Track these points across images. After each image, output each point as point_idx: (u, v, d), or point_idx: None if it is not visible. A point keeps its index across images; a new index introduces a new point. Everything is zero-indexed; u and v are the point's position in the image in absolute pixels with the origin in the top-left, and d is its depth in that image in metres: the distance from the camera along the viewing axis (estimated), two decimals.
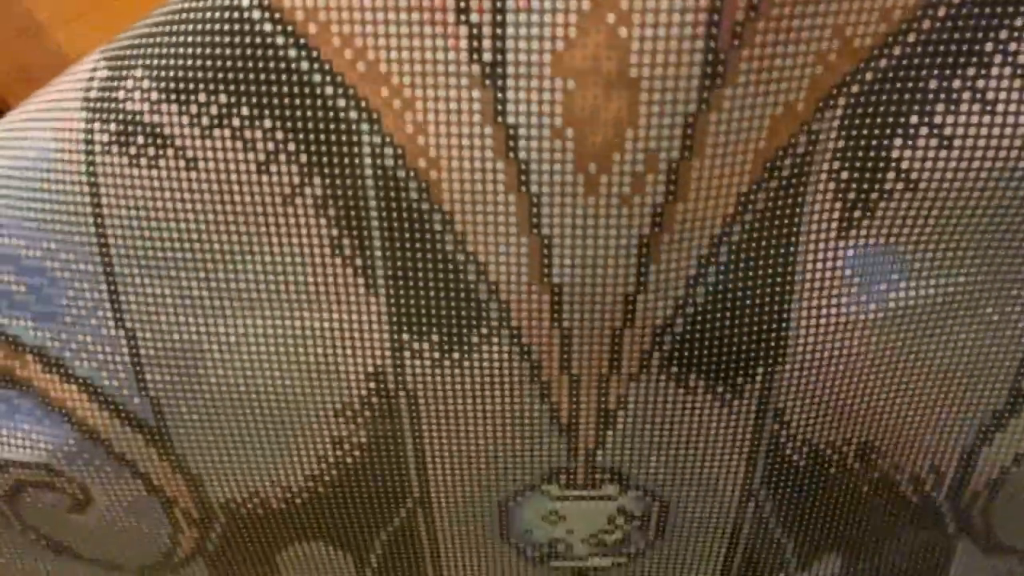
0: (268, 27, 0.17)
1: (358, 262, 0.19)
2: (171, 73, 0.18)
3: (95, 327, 0.21)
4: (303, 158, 0.18)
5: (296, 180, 0.18)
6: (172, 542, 0.25)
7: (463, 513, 0.24)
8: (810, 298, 0.20)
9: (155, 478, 0.23)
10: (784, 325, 0.20)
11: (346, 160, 0.18)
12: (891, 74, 0.18)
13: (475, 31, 0.17)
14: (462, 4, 0.16)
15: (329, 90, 0.17)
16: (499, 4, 0.16)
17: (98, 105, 0.19)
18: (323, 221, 0.19)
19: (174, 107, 0.18)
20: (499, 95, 0.17)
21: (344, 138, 0.18)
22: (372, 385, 0.21)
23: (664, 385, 0.21)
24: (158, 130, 0.18)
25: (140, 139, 0.19)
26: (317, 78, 0.17)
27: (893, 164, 0.18)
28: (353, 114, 0.18)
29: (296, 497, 0.24)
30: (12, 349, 0.22)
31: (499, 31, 0.16)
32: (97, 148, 0.19)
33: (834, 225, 0.19)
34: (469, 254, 0.19)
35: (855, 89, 0.18)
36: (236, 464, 0.23)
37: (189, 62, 0.18)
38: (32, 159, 0.20)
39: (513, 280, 0.19)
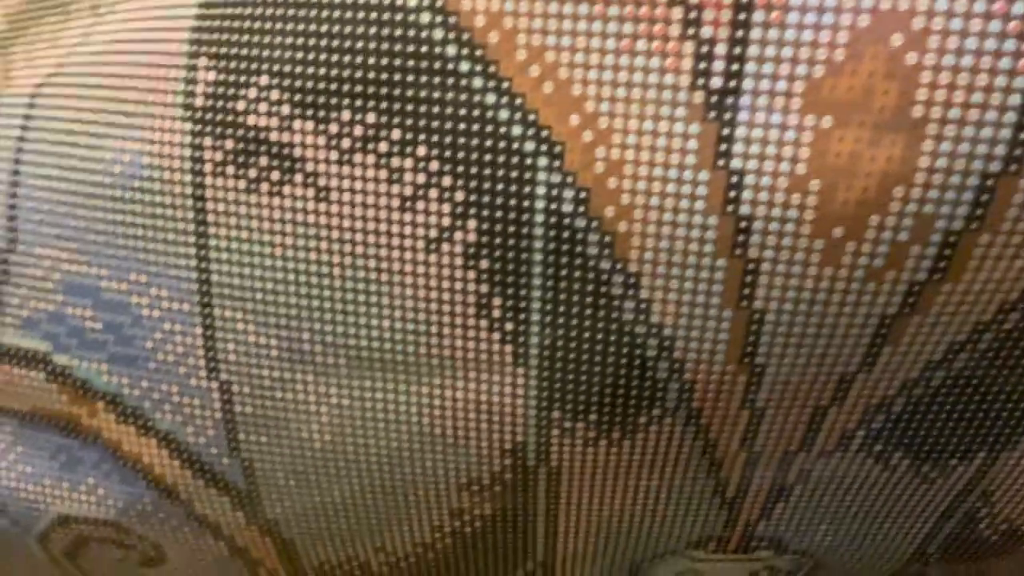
0: (438, 33, 0.13)
1: (508, 327, 0.14)
2: (308, 83, 0.14)
3: (183, 376, 0.16)
4: (458, 196, 0.14)
5: (446, 222, 0.14)
6: None
7: (590, 573, 0.19)
8: None
9: (240, 540, 0.19)
10: None
11: (512, 202, 0.13)
12: None
13: (705, 49, 0.12)
14: (692, 14, 0.12)
15: (504, 114, 0.13)
16: (742, 16, 0.12)
17: (209, 116, 0.15)
18: (471, 275, 0.14)
19: (309, 125, 0.14)
20: (725, 132, 0.12)
21: (514, 174, 0.13)
22: (508, 461, 0.16)
23: (860, 462, 0.16)
24: (286, 151, 0.14)
25: (263, 160, 0.14)
26: (491, 99, 0.13)
27: None
28: (530, 145, 0.13)
29: (402, 561, 0.19)
30: (79, 394, 0.17)
31: (738, 50, 0.12)
32: (208, 168, 0.15)
33: None
34: (652, 326, 0.14)
35: None
36: (336, 531, 0.18)
37: (333, 71, 0.13)
38: (118, 174, 0.15)
39: (704, 359, 0.14)
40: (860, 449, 0.16)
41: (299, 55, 0.14)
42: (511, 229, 0.14)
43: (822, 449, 0.16)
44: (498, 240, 0.14)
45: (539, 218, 0.13)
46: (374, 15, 0.13)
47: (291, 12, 0.14)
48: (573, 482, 0.17)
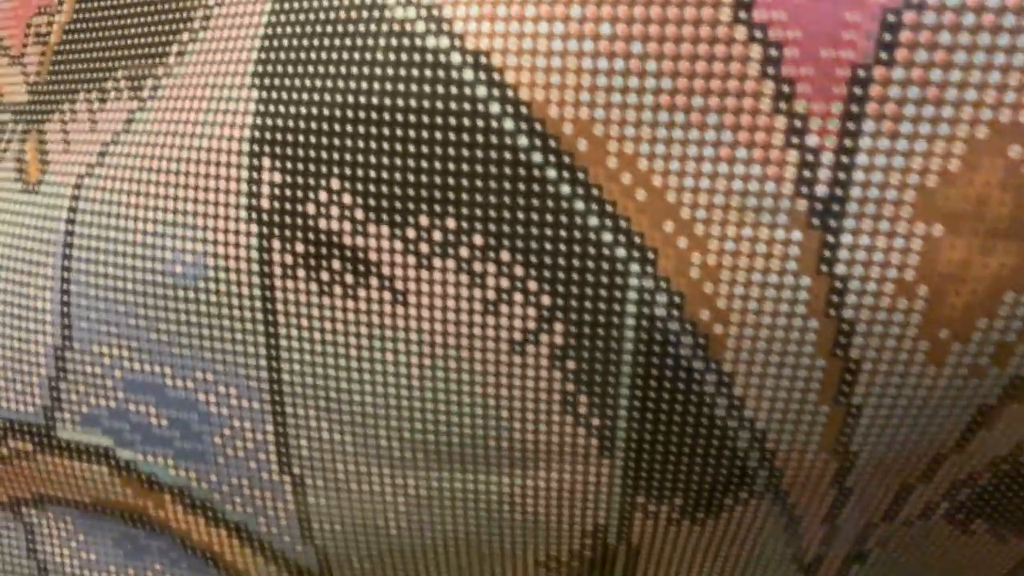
0: (523, 140, 0.12)
1: (594, 422, 0.14)
2: (383, 188, 0.13)
3: (254, 470, 0.16)
4: (545, 300, 0.13)
5: (532, 325, 0.13)
6: None
7: None
8: None
9: None
10: None
11: (601, 305, 0.13)
12: None
13: (810, 157, 0.11)
14: (797, 123, 0.11)
15: (593, 220, 0.12)
16: (852, 125, 0.11)
17: (276, 219, 0.14)
18: (557, 375, 0.14)
19: (385, 229, 0.13)
20: (830, 239, 0.12)
21: (604, 279, 0.13)
22: (588, 541, 0.16)
23: (939, 528, 0.16)
24: (361, 255, 0.14)
25: (336, 263, 0.14)
26: (579, 205, 0.12)
27: None
28: (621, 251, 0.13)
29: None
30: (144, 488, 0.17)
31: (845, 159, 0.11)
32: (277, 271, 0.14)
33: None
34: (745, 420, 0.14)
35: None
36: None
37: (410, 177, 0.13)
38: (180, 275, 0.15)
39: (797, 449, 0.14)
40: (942, 518, 0.16)
41: (372, 159, 0.13)
42: (600, 331, 0.13)
43: (904, 520, 0.16)
44: (586, 342, 0.13)
45: (629, 321, 0.13)
46: (454, 120, 0.12)
47: (361, 115, 0.13)
48: (652, 557, 0.17)
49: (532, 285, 0.13)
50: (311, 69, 0.14)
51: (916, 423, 0.13)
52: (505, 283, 0.13)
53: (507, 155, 0.12)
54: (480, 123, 0.12)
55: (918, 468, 0.14)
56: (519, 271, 0.13)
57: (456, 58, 0.12)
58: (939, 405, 0.13)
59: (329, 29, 0.13)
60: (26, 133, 0.18)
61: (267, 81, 0.14)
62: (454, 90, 0.12)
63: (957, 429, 0.13)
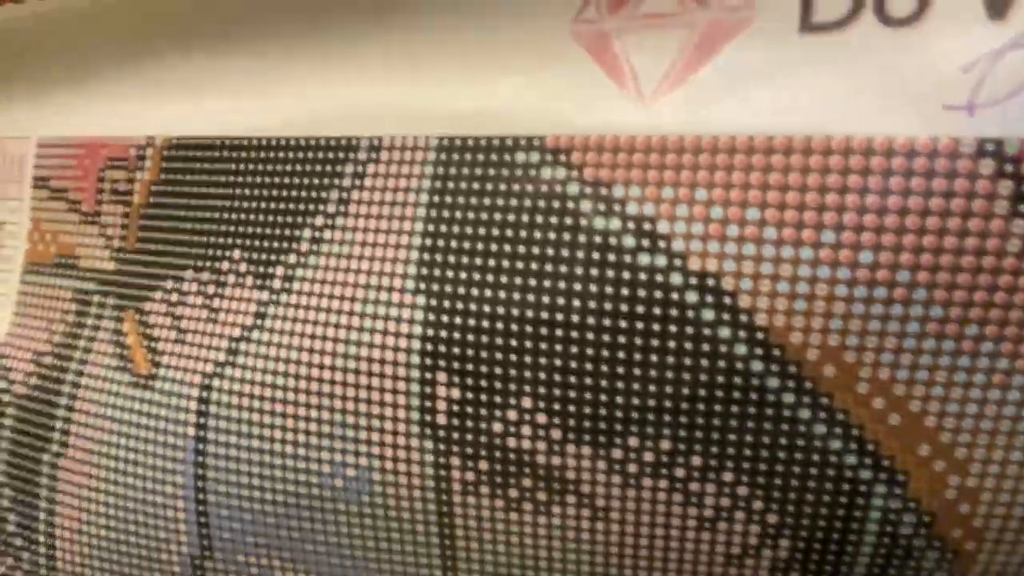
0: (758, 365, 0.11)
1: None
2: (585, 408, 0.12)
3: None
4: (771, 518, 0.12)
5: (753, 541, 0.12)
6: None
7: None
8: None
9: None
10: None
11: (837, 524, 0.12)
12: None
13: None
14: None
15: (836, 444, 0.11)
16: None
17: (455, 436, 0.13)
18: None
19: (587, 450, 0.12)
20: None
21: (843, 500, 0.12)
22: None
23: None
24: (556, 474, 0.12)
25: (527, 481, 0.12)
26: (820, 429, 0.11)
27: None
28: (866, 474, 0.11)
29: None
30: None
31: None
32: (456, 487, 0.13)
33: None
34: None
35: None
36: None
37: (617, 398, 0.12)
38: (341, 488, 0.13)
39: None
40: None
41: (572, 378, 0.12)
42: (831, 547, 0.12)
43: None
44: (814, 556, 0.12)
45: (868, 538, 0.12)
46: (673, 343, 0.11)
47: (558, 331, 0.12)
48: None
49: (757, 504, 0.12)
50: (490, 277, 0.12)
51: None
52: (726, 502, 0.12)
53: (737, 379, 0.11)
54: (706, 347, 0.11)
55: None
56: (743, 491, 0.12)
57: (677, 279, 0.11)
58: None
59: (509, 233, 0.12)
60: (120, 310, 0.16)
61: (435, 287, 0.13)
62: (674, 312, 0.11)
63: None
